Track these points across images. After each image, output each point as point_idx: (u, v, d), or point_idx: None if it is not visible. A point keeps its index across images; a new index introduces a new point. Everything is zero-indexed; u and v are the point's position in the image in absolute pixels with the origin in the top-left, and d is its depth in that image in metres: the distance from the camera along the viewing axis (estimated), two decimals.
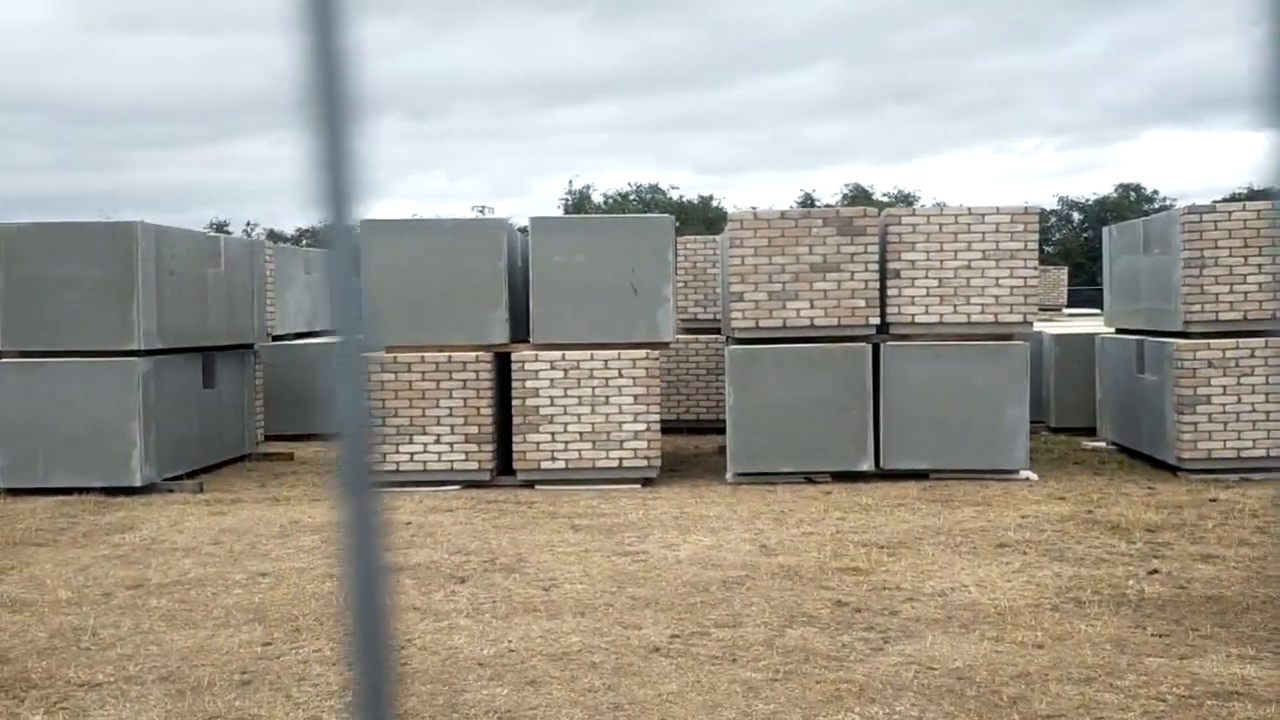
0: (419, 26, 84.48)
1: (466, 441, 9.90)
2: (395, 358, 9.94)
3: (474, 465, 9.92)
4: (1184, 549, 7.13)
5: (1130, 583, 6.33)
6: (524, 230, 10.63)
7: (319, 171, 1.16)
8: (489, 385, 9.92)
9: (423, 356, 9.93)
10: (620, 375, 9.82)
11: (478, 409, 9.88)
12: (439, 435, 9.88)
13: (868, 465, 10.03)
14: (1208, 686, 4.66)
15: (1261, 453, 9.75)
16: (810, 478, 10.04)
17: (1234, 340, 9.84)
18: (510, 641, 5.49)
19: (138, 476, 9.86)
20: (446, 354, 9.93)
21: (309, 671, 5.09)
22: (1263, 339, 9.79)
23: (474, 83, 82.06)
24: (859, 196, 51.04)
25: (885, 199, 51.80)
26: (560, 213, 43.16)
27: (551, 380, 9.83)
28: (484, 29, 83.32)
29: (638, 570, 6.85)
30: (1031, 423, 11.04)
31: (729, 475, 10.17)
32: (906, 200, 52.35)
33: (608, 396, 9.82)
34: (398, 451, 9.90)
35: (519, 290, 10.30)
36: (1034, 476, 10.02)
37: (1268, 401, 9.74)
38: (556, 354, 9.88)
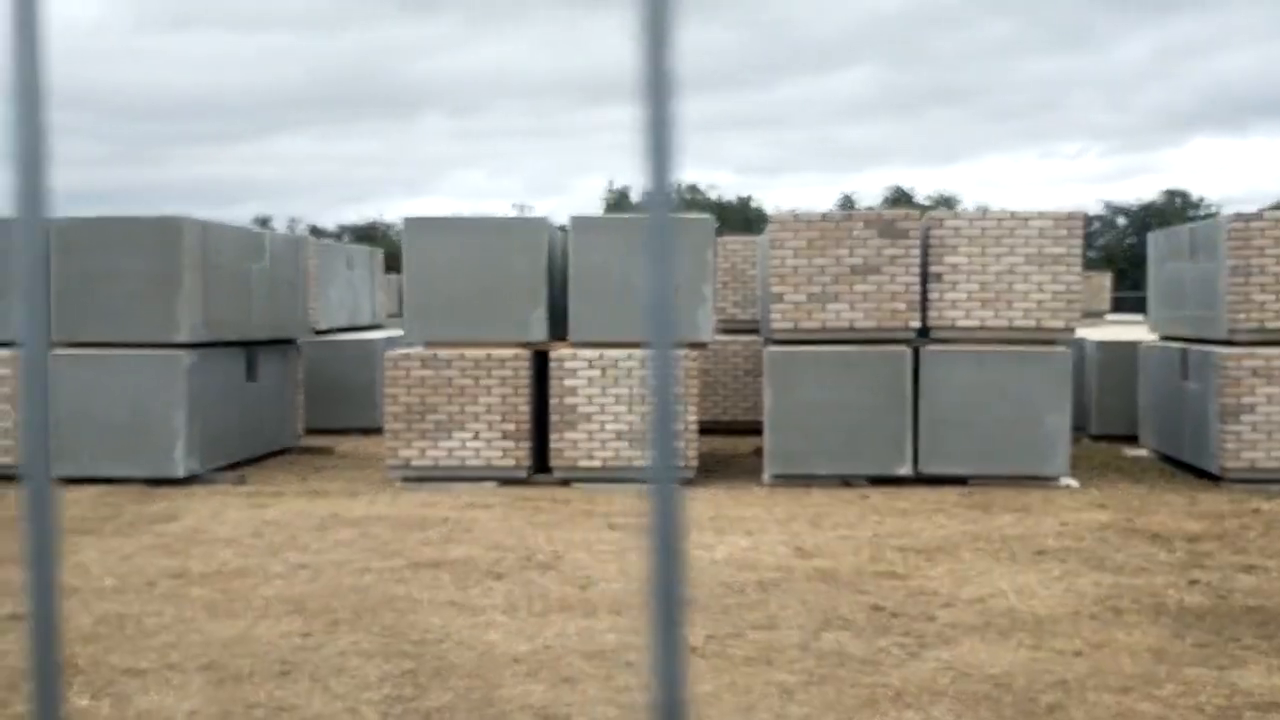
0: (463, 25, 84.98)
1: (504, 438, 9.96)
2: (436, 354, 10.02)
3: (511, 462, 9.98)
4: (1225, 559, 7.04)
5: (1170, 592, 6.26)
6: (563, 229, 10.67)
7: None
8: (527, 383, 9.98)
9: (463, 353, 10.00)
10: (603, 375, 9.85)
11: (516, 406, 9.94)
12: (477, 431, 9.95)
13: (906, 470, 9.98)
14: (1247, 698, 4.60)
15: None
16: (847, 481, 10.01)
17: (1279, 349, 9.70)
18: (546, 638, 5.53)
19: (181, 467, 10.00)
20: (486, 351, 10.00)
21: (347, 663, 5.15)
22: None
23: (516, 81, 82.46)
24: (900, 199, 50.76)
25: (926, 202, 51.45)
26: (601, 212, 43.18)
27: (589, 379, 9.87)
28: (527, 27, 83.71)
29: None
30: (1073, 429, 10.95)
31: (765, 477, 10.16)
32: (948, 203, 51.96)
33: (645, 396, 9.84)
34: (436, 447, 9.97)
35: (558, 289, 10.35)
36: (1075, 484, 9.93)
37: None
38: (595, 352, 9.92)
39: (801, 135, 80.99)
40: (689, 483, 9.94)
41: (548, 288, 10.18)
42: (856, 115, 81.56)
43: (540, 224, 10.59)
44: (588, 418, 9.86)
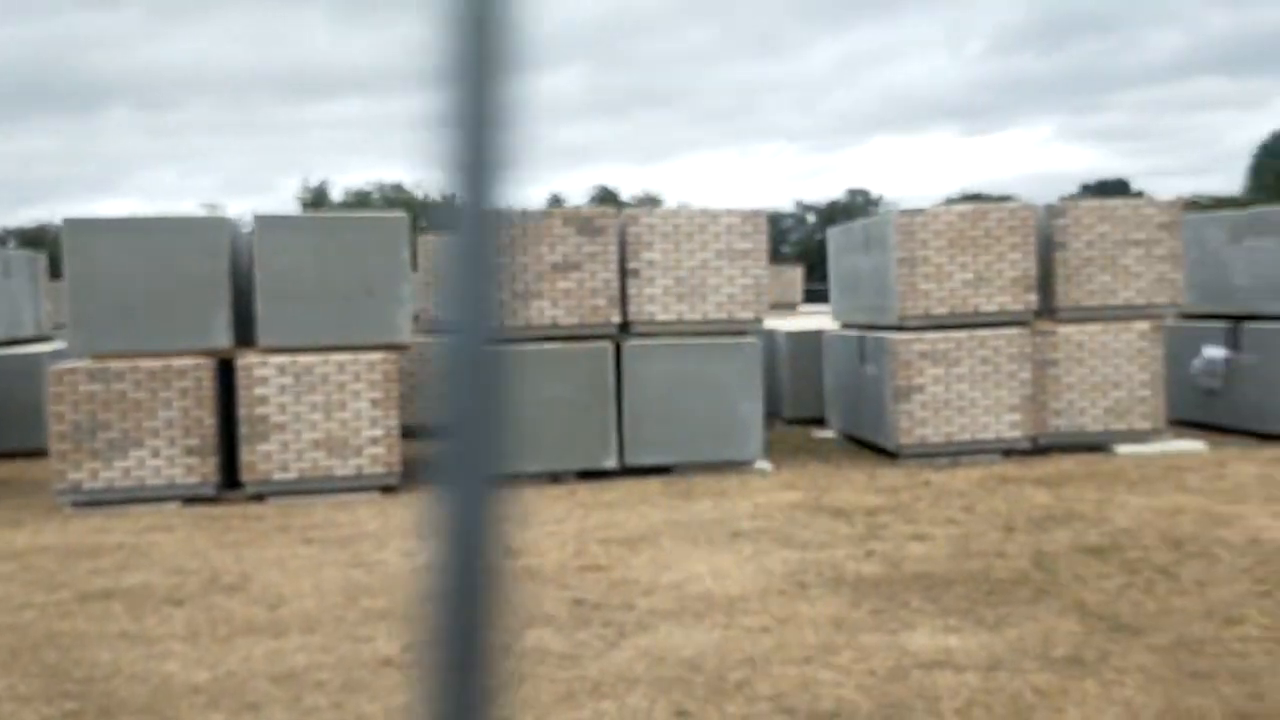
0: (149, 17, 79.31)
1: (188, 454, 9.29)
2: (107, 366, 9.21)
3: (197, 479, 9.33)
4: (899, 530, 7.58)
5: (850, 564, 6.66)
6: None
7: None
8: (211, 394, 9.35)
9: (137, 364, 9.24)
10: (357, 379, 9.48)
11: (200, 419, 9.30)
12: (157, 448, 9.23)
13: (612, 463, 10.13)
14: (915, 659, 4.94)
15: (968, 436, 10.52)
16: (556, 477, 10.04)
17: (943, 333, 10.57)
18: (230, 664, 5.17)
19: None
20: (164, 361, 9.29)
21: (0, 710, 4.61)
22: (967, 331, 10.57)
23: (213, 74, 77.89)
24: (605, 197, 51.85)
25: (631, 200, 52.86)
26: (298, 212, 41.44)
27: (281, 386, 9.37)
28: (222, 20, 79.20)
29: (373, 582, 6.62)
30: (767, 415, 11.47)
31: None
32: (653, 201, 53.58)
33: (343, 402, 9.46)
34: (110, 467, 9.18)
35: (245, 293, 9.76)
36: (769, 467, 10.41)
37: (972, 389, 10.52)
38: (286, 358, 9.43)
39: (514, 134, 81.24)
40: (393, 489, 9.65)
41: (232, 291, 9.58)
42: (565, 116, 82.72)
43: (221, 224, 9.95)
44: (280, 428, 9.36)
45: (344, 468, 9.47)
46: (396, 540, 7.73)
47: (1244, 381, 11.63)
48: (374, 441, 9.50)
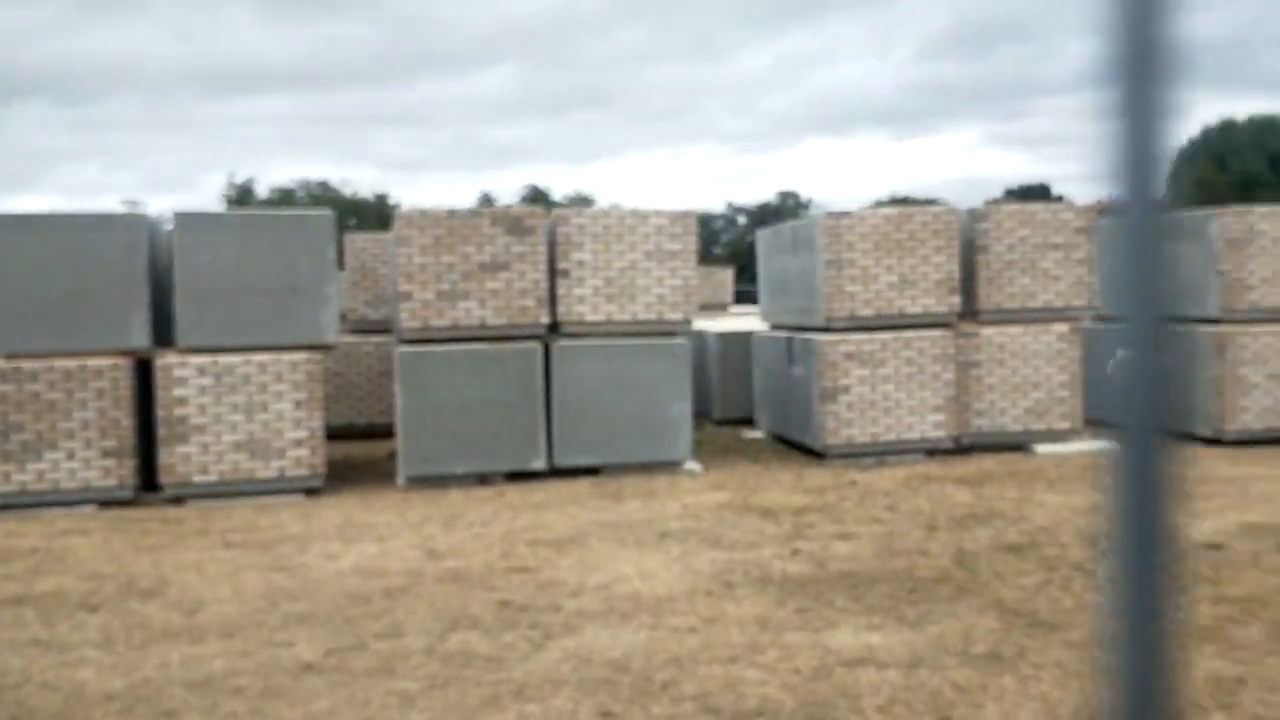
0: (71, 10, 77.30)
1: (104, 456, 9.06)
2: (19, 366, 8.94)
3: (113, 482, 9.10)
4: (825, 529, 7.65)
5: (776, 563, 6.71)
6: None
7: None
8: (129, 394, 9.13)
9: (52, 364, 8.99)
10: (279, 380, 9.32)
11: (117, 420, 9.07)
12: (72, 450, 8.98)
13: (541, 464, 10.09)
14: (838, 656, 4.99)
15: (893, 436, 10.66)
16: (484, 479, 9.97)
17: (869, 334, 10.70)
18: (146, 671, 5.06)
19: None
20: (79, 361, 9.04)
21: None
22: (893, 333, 10.71)
23: (137, 69, 76.09)
24: (536, 197, 51.68)
25: (563, 200, 52.77)
26: (222, 209, 40.69)
27: (201, 387, 9.18)
28: (148, 14, 77.46)
29: (294, 585, 6.51)
30: (697, 415, 11.52)
31: (400, 480, 9.92)
32: (585, 201, 53.49)
33: (265, 403, 9.30)
34: (23, 470, 8.91)
35: (165, 291, 9.55)
36: (698, 467, 10.46)
37: (897, 390, 10.67)
38: (207, 358, 9.24)
39: (444, 133, 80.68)
40: (316, 491, 9.51)
41: (151, 290, 9.36)
42: (499, 115, 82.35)
43: (139, 220, 9.72)
44: (200, 429, 9.17)
45: (266, 470, 9.31)
46: (319, 543, 7.62)
47: None
48: (297, 443, 9.35)
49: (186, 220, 9.50)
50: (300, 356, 9.38)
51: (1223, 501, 8.29)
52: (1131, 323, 1.25)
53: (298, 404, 9.34)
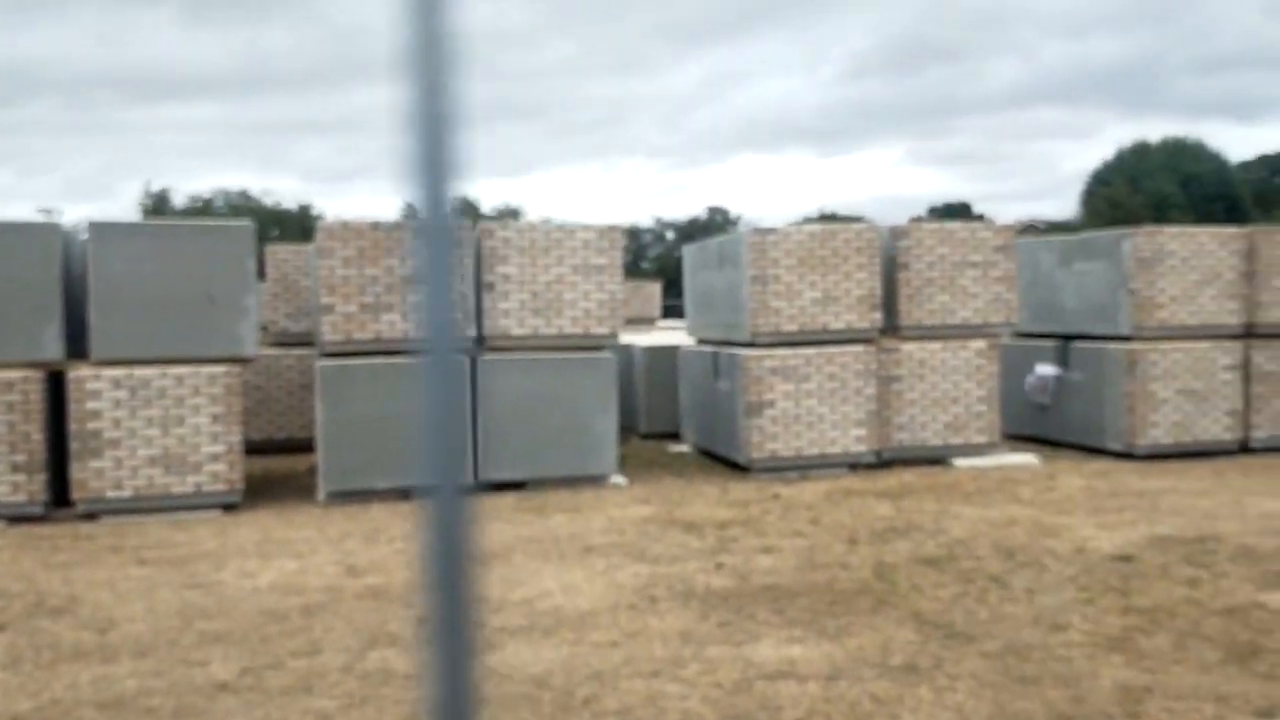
0: None
1: (14, 471, 8.79)
2: None
3: (23, 497, 8.84)
4: (748, 543, 7.71)
5: (700, 577, 6.74)
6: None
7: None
8: (40, 407, 8.88)
9: None
10: (197, 393, 9.13)
11: (27, 434, 8.81)
12: None
13: (465, 478, 10.00)
14: (760, 670, 5.03)
15: (817, 451, 10.79)
16: (407, 494, 9.86)
17: (793, 349, 10.82)
18: (55, 691, 4.92)
19: None
20: None
21: None
22: (816, 348, 10.85)
23: (55, 74, 74.16)
24: (467, 209, 51.40)
25: (494, 213, 52.56)
26: (139, 218, 39.81)
27: (116, 400, 8.96)
28: (66, 18, 75.61)
29: (209, 603, 6.38)
30: (625, 429, 11.53)
31: (321, 495, 9.78)
32: (514, 214, 53.38)
33: (182, 417, 9.10)
34: None
35: (80, 302, 9.31)
36: (623, 481, 10.47)
37: (821, 405, 10.80)
38: (121, 371, 9.02)
39: (374, 142, 79.97)
40: (234, 507, 9.33)
41: (64, 301, 9.13)
42: None
43: (53, 229, 9.47)
44: (115, 444, 8.94)
45: (182, 485, 9.11)
46: (236, 560, 7.48)
47: (1072, 398, 12.27)
48: (214, 458, 9.16)
49: (102, 230, 9.27)
50: (218, 369, 9.21)
51: (1133, 515, 8.52)
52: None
53: (215, 418, 9.15)
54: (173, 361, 9.15)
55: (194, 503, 9.13)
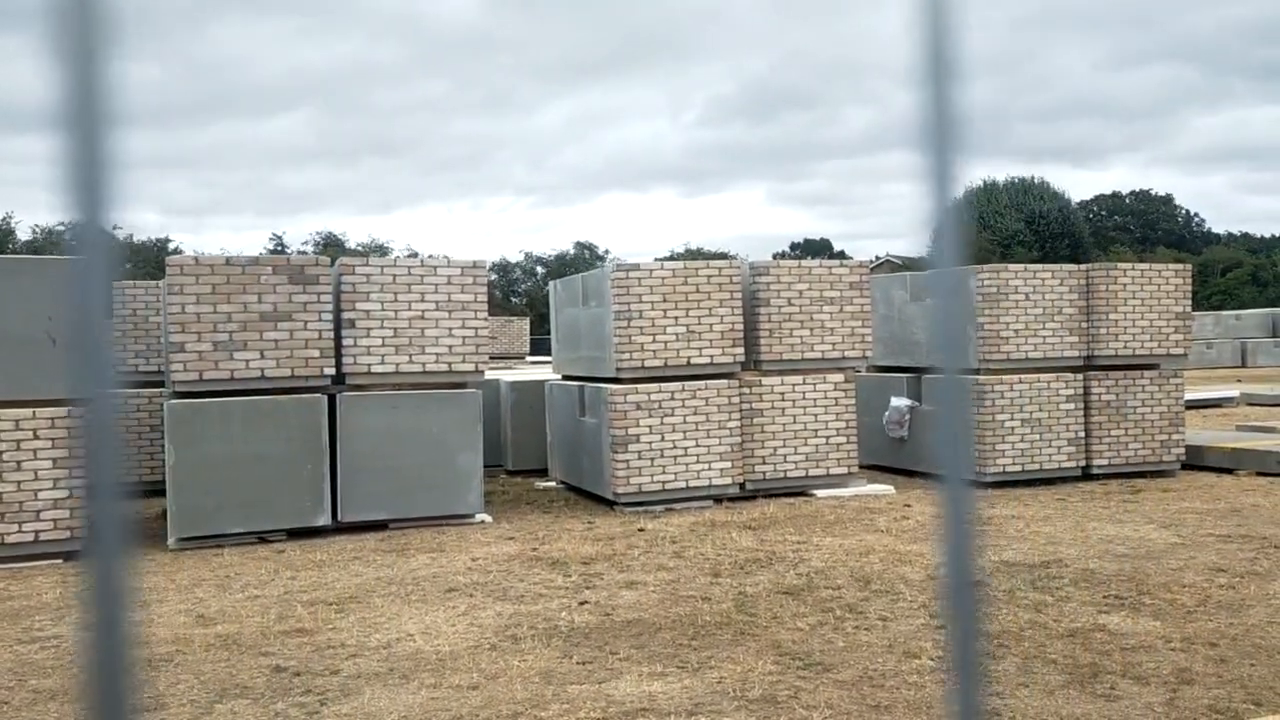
0: None
1: None
2: None
3: None
4: (613, 578, 7.71)
5: (563, 615, 6.70)
6: None
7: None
8: None
9: None
10: (35, 437, 8.69)
11: None
12: None
13: (325, 520, 9.77)
14: (620, 707, 5.02)
15: (682, 484, 10.88)
16: (264, 537, 9.57)
17: (657, 385, 10.91)
18: None
19: None
20: None
21: None
22: (680, 383, 10.96)
23: None
24: (331, 244, 50.50)
25: (358, 248, 51.71)
26: None
27: None
28: None
29: (45, 658, 6.05)
30: (492, 466, 11.41)
31: (171, 541, 9.40)
32: (381, 250, 52.61)
33: (19, 462, 8.64)
34: None
35: None
36: (489, 519, 10.36)
37: (685, 439, 10.91)
38: None
39: (235, 177, 77.86)
40: (73, 556, 8.88)
41: None
42: (292, 161, 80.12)
43: None
44: None
45: (19, 534, 8.64)
46: (76, 613, 7.11)
47: (925, 429, 12.68)
48: (55, 504, 8.72)
49: None
50: (59, 412, 8.79)
51: (981, 541, 8.83)
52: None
53: (55, 462, 8.72)
54: (9, 404, 8.69)
55: (32, 552, 8.66)
